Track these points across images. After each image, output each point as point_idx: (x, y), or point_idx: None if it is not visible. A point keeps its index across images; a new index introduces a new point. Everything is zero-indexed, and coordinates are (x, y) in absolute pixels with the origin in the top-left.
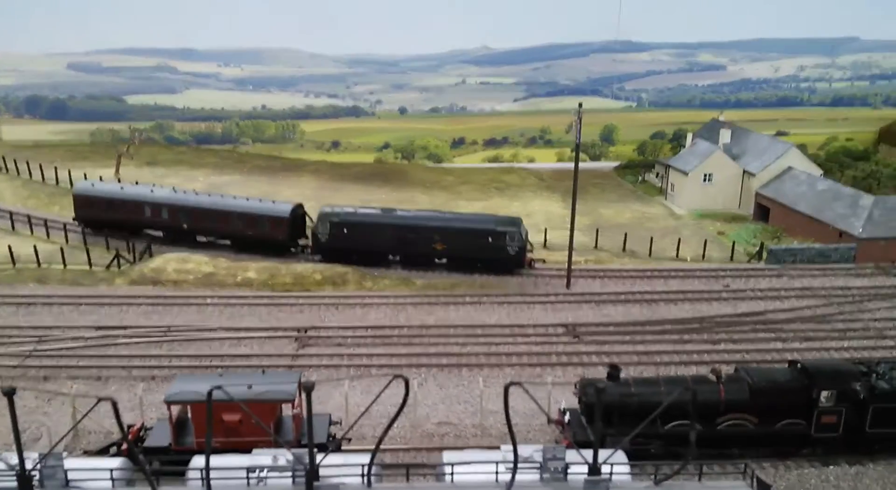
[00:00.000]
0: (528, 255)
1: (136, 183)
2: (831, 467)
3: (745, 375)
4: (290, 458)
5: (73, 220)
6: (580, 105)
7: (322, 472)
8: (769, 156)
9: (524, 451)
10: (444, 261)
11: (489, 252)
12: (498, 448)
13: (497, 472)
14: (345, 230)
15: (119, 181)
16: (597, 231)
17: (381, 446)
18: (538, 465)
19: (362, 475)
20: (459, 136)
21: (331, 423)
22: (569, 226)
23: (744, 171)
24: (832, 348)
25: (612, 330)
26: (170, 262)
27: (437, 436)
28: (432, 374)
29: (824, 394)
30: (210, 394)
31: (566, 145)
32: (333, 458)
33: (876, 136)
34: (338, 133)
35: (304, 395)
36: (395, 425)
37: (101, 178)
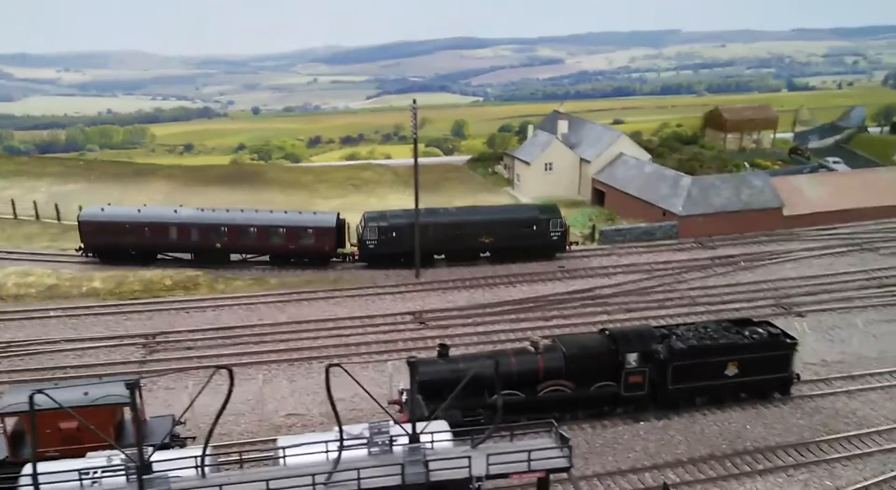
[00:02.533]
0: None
1: (145, 205)
2: (641, 423)
3: (560, 345)
4: (124, 457)
5: (79, 249)
6: (414, 101)
7: (158, 466)
8: (602, 144)
9: (354, 429)
10: (487, 254)
11: (534, 240)
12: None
13: (327, 451)
14: (393, 234)
15: None
16: None
17: (230, 442)
18: (365, 440)
19: (196, 467)
20: (315, 135)
21: (175, 423)
22: None
23: (580, 159)
24: (651, 317)
25: (456, 314)
26: (10, 276)
27: (284, 427)
28: (282, 369)
29: (630, 356)
30: (31, 400)
31: (420, 141)
32: (167, 454)
33: (702, 121)
34: (190, 136)
35: (131, 394)
36: (243, 421)
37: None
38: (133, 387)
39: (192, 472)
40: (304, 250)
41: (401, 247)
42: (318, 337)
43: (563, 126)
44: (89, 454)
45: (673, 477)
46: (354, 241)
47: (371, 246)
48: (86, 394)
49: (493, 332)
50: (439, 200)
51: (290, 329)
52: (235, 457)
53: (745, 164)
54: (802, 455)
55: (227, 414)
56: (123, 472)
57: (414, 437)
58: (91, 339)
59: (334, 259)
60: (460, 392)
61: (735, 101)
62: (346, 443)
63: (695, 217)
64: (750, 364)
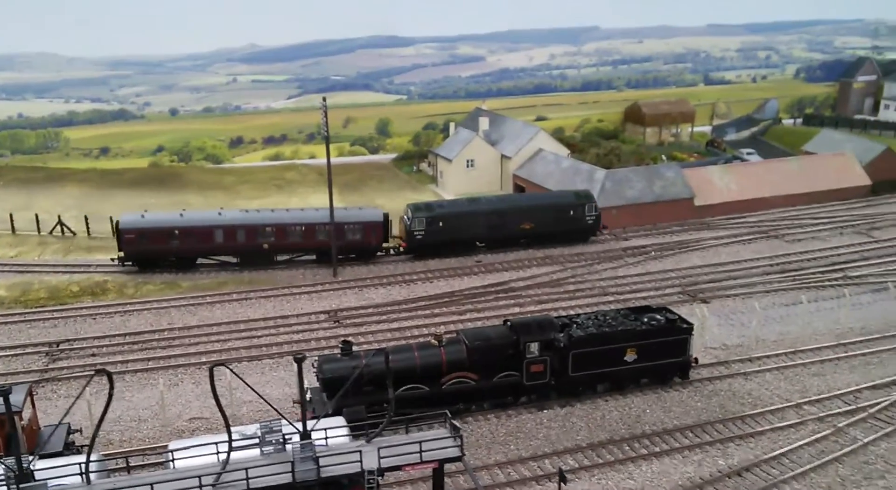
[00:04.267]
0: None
1: (184, 210)
2: (545, 411)
3: (463, 337)
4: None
5: (116, 259)
6: (324, 99)
7: (42, 475)
8: (522, 139)
9: (248, 430)
10: (523, 241)
11: (571, 224)
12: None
13: (218, 453)
14: (440, 224)
15: None
16: None
17: (131, 449)
18: (256, 440)
19: (80, 474)
20: (237, 136)
21: (70, 431)
22: None
23: (501, 155)
24: (562, 307)
25: (372, 312)
26: None
27: (188, 431)
28: (189, 373)
29: (531, 346)
30: None
31: (344, 140)
32: (52, 462)
33: (622, 116)
34: (106, 139)
35: (5, 402)
36: (145, 427)
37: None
38: (5, 394)
39: (77, 479)
40: (352, 246)
41: (447, 235)
42: (228, 340)
43: (484, 123)
44: None
45: (572, 462)
46: (395, 233)
47: (419, 236)
48: None
49: (407, 327)
50: (363, 199)
51: (200, 332)
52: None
53: (663, 157)
54: (698, 436)
55: (128, 420)
56: (3, 482)
57: (305, 435)
58: None
59: (379, 253)
60: (363, 387)
61: (654, 96)
62: (236, 443)
63: (609, 209)
64: (648, 350)
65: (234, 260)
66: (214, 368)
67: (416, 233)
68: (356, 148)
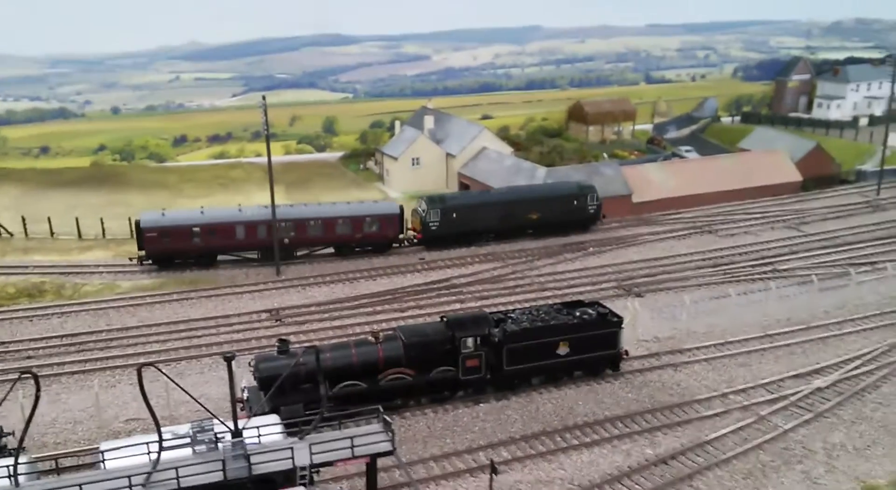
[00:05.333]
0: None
1: (204, 207)
2: (481, 405)
3: (400, 334)
4: None
5: (135, 259)
6: (264, 98)
7: None
8: (466, 138)
9: (180, 429)
10: (530, 232)
11: (574, 214)
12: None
13: (149, 453)
14: (454, 215)
15: None
16: None
17: (64, 452)
18: (188, 440)
19: (9, 476)
20: (181, 134)
21: (2, 434)
22: None
23: (446, 154)
24: (502, 303)
25: (315, 310)
26: None
27: (124, 433)
28: (126, 374)
29: (466, 341)
30: None
31: (291, 138)
32: None
33: (566, 114)
34: (46, 138)
35: None
36: (80, 429)
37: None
38: None
39: (5, 482)
40: (369, 238)
41: (459, 226)
42: (167, 340)
43: (429, 122)
44: None
45: (505, 454)
46: (409, 225)
47: (434, 227)
48: None
49: (349, 325)
50: (310, 197)
51: (139, 333)
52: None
53: (604, 154)
54: (628, 426)
55: (64, 422)
56: None
57: (236, 433)
58: None
59: (394, 245)
60: (300, 386)
61: (596, 95)
62: (168, 443)
63: None
64: (580, 343)
65: (254, 255)
66: (144, 370)
67: (431, 224)
68: (303, 146)
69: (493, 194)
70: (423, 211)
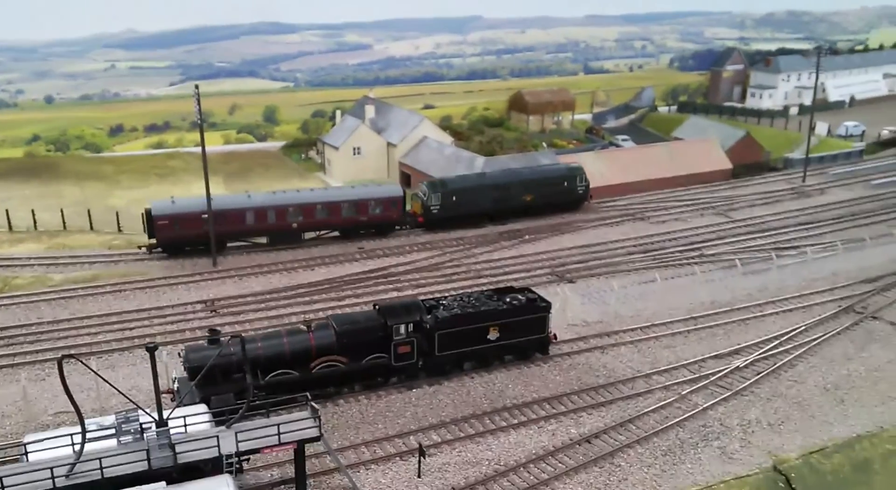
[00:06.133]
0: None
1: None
2: (414, 390)
3: (332, 322)
4: None
5: (145, 247)
6: (196, 87)
7: None
8: (407, 128)
9: (106, 420)
10: (526, 212)
11: (565, 195)
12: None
13: (73, 445)
14: (454, 198)
15: None
16: None
17: None
18: (113, 430)
19: None
20: (117, 124)
21: None
22: None
23: (388, 143)
24: (439, 290)
25: (251, 300)
26: None
27: (53, 426)
28: (56, 368)
29: (398, 328)
30: None
31: (231, 128)
32: None
33: (507, 104)
34: None
35: None
36: (8, 423)
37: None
38: None
39: None
40: (374, 220)
41: (459, 209)
42: (99, 332)
43: (370, 111)
44: None
45: (435, 437)
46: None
47: (435, 211)
48: None
49: (285, 315)
50: (251, 187)
51: (70, 326)
52: None
53: (544, 144)
54: (554, 408)
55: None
56: None
57: (161, 423)
58: None
59: (397, 228)
60: (231, 375)
61: (536, 85)
62: (92, 434)
63: None
64: (509, 328)
65: (263, 240)
66: (66, 361)
67: (432, 207)
68: (243, 135)
69: (490, 177)
70: (425, 195)
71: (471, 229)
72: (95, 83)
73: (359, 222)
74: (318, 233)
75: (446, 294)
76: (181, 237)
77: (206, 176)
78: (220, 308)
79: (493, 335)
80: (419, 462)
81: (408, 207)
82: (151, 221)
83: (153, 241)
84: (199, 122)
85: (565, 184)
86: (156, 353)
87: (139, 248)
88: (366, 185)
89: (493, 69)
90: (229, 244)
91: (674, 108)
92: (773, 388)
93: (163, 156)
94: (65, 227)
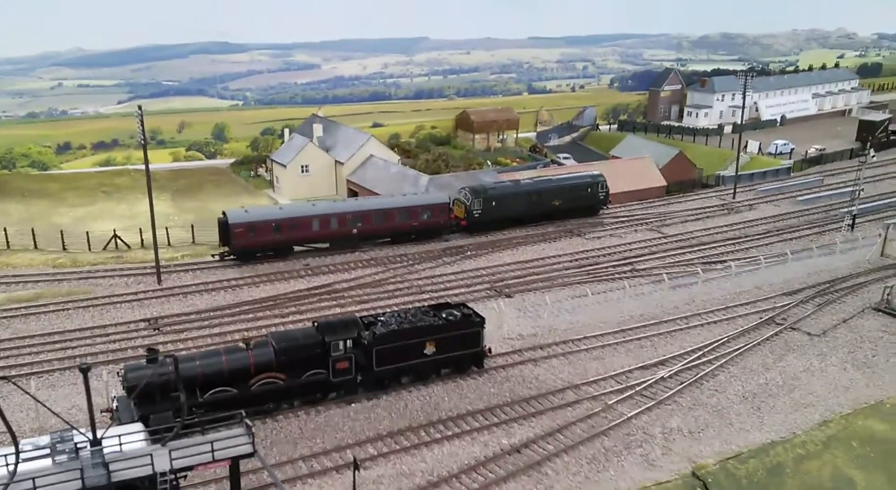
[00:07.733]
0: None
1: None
2: (353, 405)
3: (271, 339)
4: None
5: (217, 255)
6: (140, 107)
7: None
8: (354, 146)
9: (41, 441)
10: (554, 214)
11: (587, 200)
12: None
13: (7, 465)
14: (493, 203)
15: None
16: (192, 226)
17: None
18: (47, 450)
19: None
20: (65, 142)
21: None
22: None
23: (335, 161)
24: (381, 306)
25: (195, 318)
26: None
27: None
28: None
29: (336, 344)
30: None
31: (180, 145)
32: None
33: (454, 123)
34: None
35: None
36: None
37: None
38: None
39: None
40: (424, 225)
41: (497, 213)
42: (40, 352)
43: (318, 129)
44: None
45: (372, 451)
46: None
47: (477, 215)
48: None
49: (228, 333)
50: (199, 204)
51: (11, 346)
52: None
53: (488, 162)
54: (487, 419)
55: None
56: None
57: (95, 442)
58: None
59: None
60: (170, 394)
61: (482, 104)
62: (26, 454)
63: None
64: (445, 343)
65: (325, 245)
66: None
67: (474, 212)
68: (192, 153)
69: (524, 185)
70: (468, 200)
71: (507, 231)
72: (42, 101)
73: (411, 228)
74: (372, 238)
75: (386, 310)
76: (254, 244)
77: (150, 193)
78: (163, 326)
79: (429, 350)
80: (354, 475)
81: None
82: (228, 229)
83: (225, 248)
84: (141, 141)
85: (588, 190)
86: (95, 372)
87: (212, 255)
88: (415, 193)
89: (440, 89)
90: (296, 249)
91: (614, 126)
92: (695, 397)
93: (110, 173)
94: (8, 245)
